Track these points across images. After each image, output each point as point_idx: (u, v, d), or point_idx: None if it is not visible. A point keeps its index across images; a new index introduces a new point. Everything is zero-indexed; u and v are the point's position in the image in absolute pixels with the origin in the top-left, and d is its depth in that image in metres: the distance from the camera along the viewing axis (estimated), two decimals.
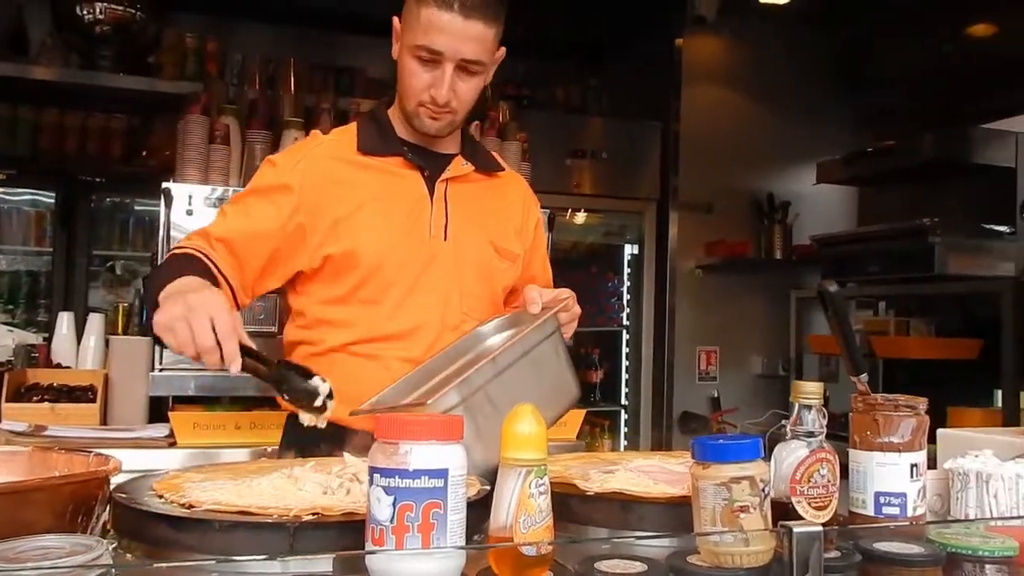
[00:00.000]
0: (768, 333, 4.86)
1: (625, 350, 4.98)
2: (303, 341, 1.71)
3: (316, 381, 1.33)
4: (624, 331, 4.98)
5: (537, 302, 1.57)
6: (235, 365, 1.28)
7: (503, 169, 1.88)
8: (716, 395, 4.80)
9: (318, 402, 1.33)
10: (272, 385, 1.35)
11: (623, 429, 4.98)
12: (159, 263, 1.64)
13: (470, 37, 1.60)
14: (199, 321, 1.28)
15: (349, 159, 1.70)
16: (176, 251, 1.60)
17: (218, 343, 1.28)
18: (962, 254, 3.37)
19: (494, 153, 1.95)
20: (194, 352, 1.29)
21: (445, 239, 1.70)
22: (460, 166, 1.75)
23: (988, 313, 3.34)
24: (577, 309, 1.64)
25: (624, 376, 4.99)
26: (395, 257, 1.66)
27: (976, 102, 3.97)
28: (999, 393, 3.26)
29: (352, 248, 1.64)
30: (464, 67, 1.63)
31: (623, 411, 4.98)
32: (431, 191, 1.72)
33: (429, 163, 1.73)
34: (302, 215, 1.64)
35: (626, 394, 4.98)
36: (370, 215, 1.66)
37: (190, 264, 1.54)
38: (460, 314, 1.70)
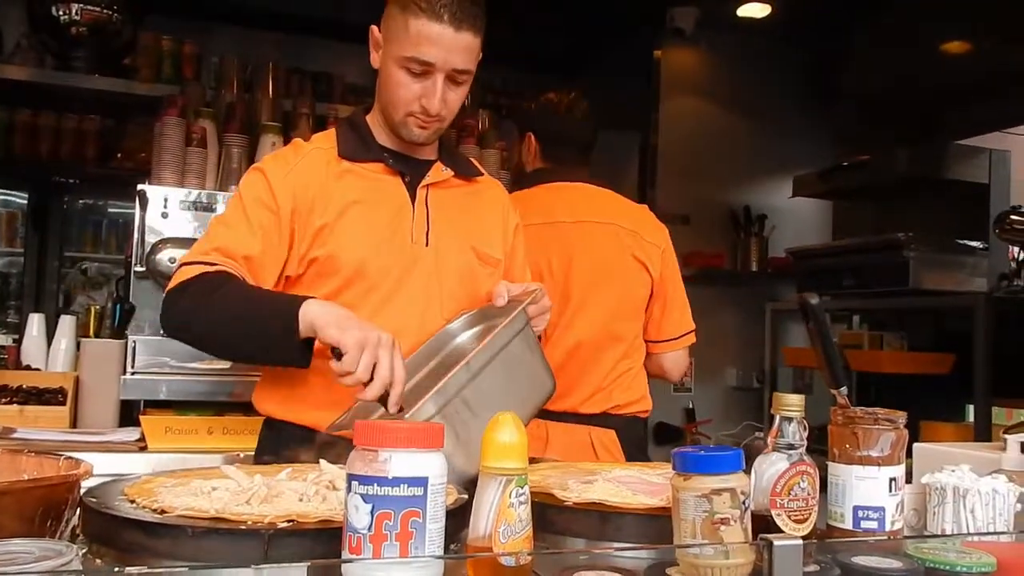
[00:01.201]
0: (743, 345, 4.89)
1: None
2: None
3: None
4: None
5: (503, 295, 1.58)
6: (397, 407, 1.37)
7: (481, 174, 1.88)
8: (691, 406, 4.82)
9: None
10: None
11: None
12: (192, 276, 1.58)
13: (461, 48, 1.60)
14: (390, 356, 1.38)
15: (332, 167, 1.70)
16: (208, 268, 1.58)
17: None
18: (936, 269, 3.41)
19: (471, 159, 1.95)
20: (368, 379, 1.36)
21: (427, 244, 1.70)
22: (440, 172, 1.75)
23: (961, 328, 3.38)
24: (547, 302, 1.63)
25: None
26: (376, 262, 1.66)
27: (950, 118, 4.02)
28: (971, 408, 3.29)
29: (334, 253, 1.64)
30: (453, 77, 1.63)
31: None
32: (412, 197, 1.72)
33: (409, 169, 1.73)
34: (293, 223, 1.64)
35: None
36: (352, 220, 1.66)
37: (240, 283, 1.56)
38: (441, 320, 1.69)
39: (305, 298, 1.49)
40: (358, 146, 1.73)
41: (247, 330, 1.54)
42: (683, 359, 2.39)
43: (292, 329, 1.46)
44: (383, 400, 1.38)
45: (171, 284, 1.60)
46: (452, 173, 1.77)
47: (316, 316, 1.44)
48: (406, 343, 1.63)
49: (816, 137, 4.77)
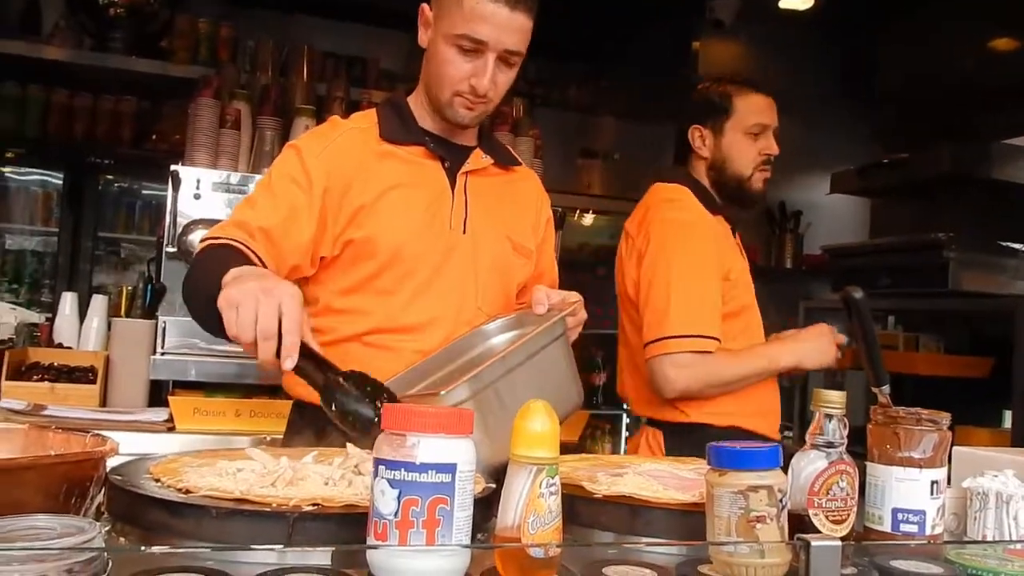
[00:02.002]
0: None
1: None
2: (316, 329, 1.59)
3: (370, 410, 1.21)
4: None
5: (544, 303, 1.54)
6: (290, 361, 1.21)
7: (519, 163, 1.86)
8: None
9: (368, 428, 1.20)
10: (321, 396, 1.25)
11: (624, 433, 4.94)
12: (199, 252, 1.56)
13: (515, 28, 1.57)
14: (268, 306, 1.22)
15: (371, 147, 1.67)
16: (214, 241, 1.55)
17: (280, 335, 1.21)
18: (976, 270, 3.33)
19: (508, 147, 1.93)
20: (252, 336, 1.22)
21: (464, 232, 1.68)
22: (480, 159, 1.73)
23: (1000, 332, 3.29)
24: (583, 314, 1.61)
25: None
26: (413, 247, 1.63)
27: (995, 117, 3.92)
28: (1008, 413, 3.22)
29: (371, 235, 1.61)
30: (505, 58, 1.60)
31: (625, 415, 4.94)
32: (452, 183, 1.69)
33: (450, 154, 1.70)
34: (326, 201, 1.61)
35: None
36: (391, 203, 1.63)
37: (236, 256, 1.48)
38: (475, 308, 1.67)
39: (244, 275, 1.35)
40: (399, 128, 1.70)
41: (196, 306, 1.48)
42: None
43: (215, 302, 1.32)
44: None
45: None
46: (491, 161, 1.74)
47: (228, 288, 1.30)
48: (441, 331, 1.62)
49: (855, 134, 4.68)
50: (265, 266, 1.51)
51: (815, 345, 2.08)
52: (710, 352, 1.98)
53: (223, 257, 1.46)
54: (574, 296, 1.59)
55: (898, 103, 4.50)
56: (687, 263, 2.03)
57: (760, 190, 2.20)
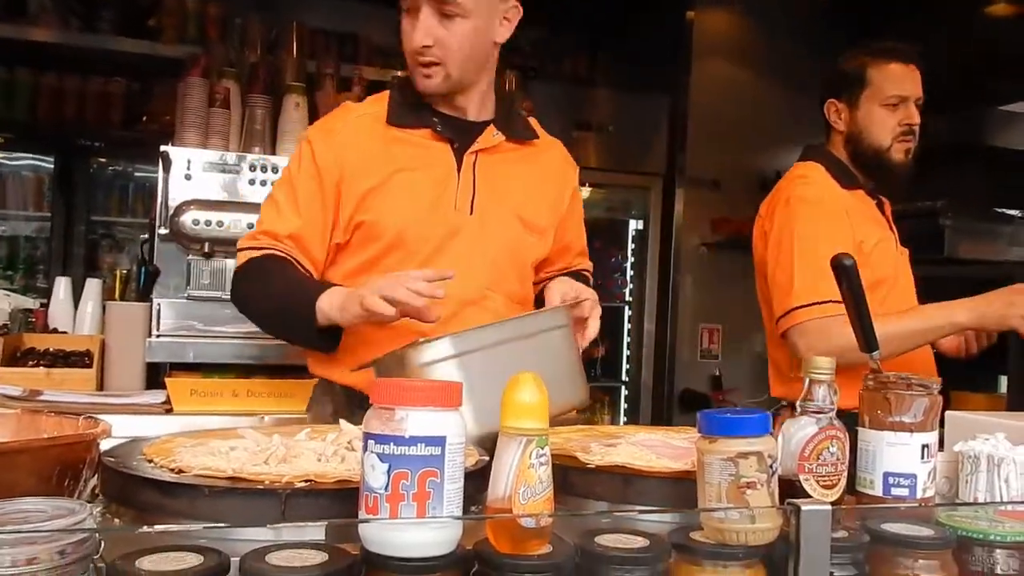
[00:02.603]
0: None
1: (627, 326, 4.96)
2: None
3: None
4: (627, 307, 4.96)
5: (556, 302, 1.57)
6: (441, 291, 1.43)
7: (538, 136, 1.83)
8: (718, 373, 4.78)
9: None
10: None
11: (623, 405, 4.97)
12: (243, 264, 1.70)
13: None
14: (393, 286, 1.43)
15: (380, 132, 1.69)
16: (254, 253, 1.67)
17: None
18: (972, 237, 3.33)
19: (532, 119, 1.88)
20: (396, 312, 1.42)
21: (471, 213, 1.68)
22: (491, 137, 1.72)
23: None
24: (598, 310, 1.61)
25: (625, 352, 4.97)
26: (416, 230, 1.65)
27: (991, 84, 3.90)
28: (1004, 379, 3.23)
29: (376, 219, 1.66)
30: (440, 9, 1.58)
31: (623, 387, 4.96)
32: (460, 163, 1.69)
33: (460, 134, 1.70)
34: (340, 190, 1.67)
35: (627, 370, 4.96)
36: (396, 187, 1.66)
37: (286, 265, 1.65)
38: (482, 289, 1.68)
39: (321, 291, 1.56)
40: (407, 112, 1.70)
41: (284, 325, 1.70)
42: None
43: (312, 323, 1.56)
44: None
45: (234, 269, 1.73)
46: (504, 137, 1.73)
47: (326, 308, 1.54)
48: (445, 311, 1.61)
49: None
50: (304, 268, 1.67)
51: (1006, 300, 1.91)
52: (840, 316, 1.85)
53: (277, 276, 1.64)
54: (588, 292, 1.60)
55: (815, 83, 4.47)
56: (809, 236, 1.98)
57: (902, 161, 2.11)
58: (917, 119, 2.11)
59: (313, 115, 2.93)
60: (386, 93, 1.77)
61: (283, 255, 1.65)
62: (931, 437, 1.11)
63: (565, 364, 1.47)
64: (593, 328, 1.60)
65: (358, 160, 1.66)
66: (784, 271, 2.00)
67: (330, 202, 1.66)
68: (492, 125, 1.73)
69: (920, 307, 2.02)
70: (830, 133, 2.19)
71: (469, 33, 1.62)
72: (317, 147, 1.67)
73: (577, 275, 1.82)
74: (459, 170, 1.68)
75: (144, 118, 4.25)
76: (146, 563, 0.77)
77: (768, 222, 2.11)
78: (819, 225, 2.00)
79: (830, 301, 1.87)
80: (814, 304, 1.92)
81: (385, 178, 1.65)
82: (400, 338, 1.55)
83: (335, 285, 1.60)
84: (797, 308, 1.94)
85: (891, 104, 2.08)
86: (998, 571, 1.03)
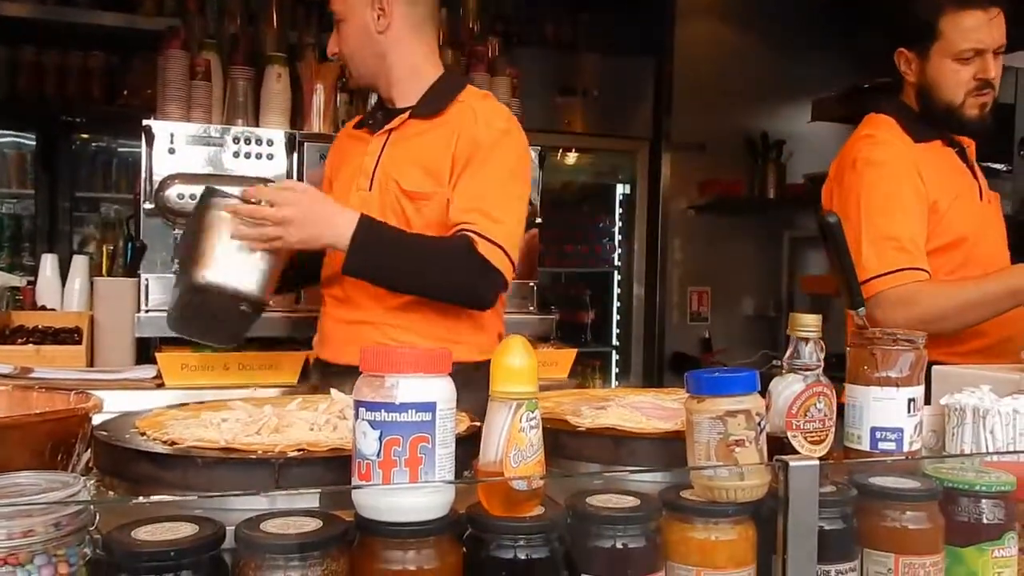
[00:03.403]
0: (760, 273, 4.85)
1: (616, 291, 4.98)
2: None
3: None
4: (615, 272, 4.97)
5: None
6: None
7: (444, 108, 1.87)
8: (707, 336, 4.81)
9: None
10: None
11: (614, 370, 4.99)
12: None
13: None
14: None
15: (348, 133, 2.05)
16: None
17: None
18: None
19: (464, 92, 1.91)
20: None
21: (370, 190, 1.87)
22: (398, 119, 1.90)
23: None
24: (265, 211, 1.69)
25: (615, 317, 4.99)
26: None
27: None
28: None
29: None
30: (335, 20, 1.91)
31: (614, 352, 4.99)
32: (380, 148, 1.90)
33: (385, 122, 1.93)
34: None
35: (617, 335, 4.98)
36: (333, 179, 2.01)
37: None
38: None
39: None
40: (368, 114, 2.05)
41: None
42: None
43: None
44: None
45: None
46: (407, 116, 1.89)
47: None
48: (357, 283, 1.83)
49: (836, 60, 4.65)
50: None
51: None
52: (916, 283, 1.81)
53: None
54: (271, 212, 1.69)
55: (881, 27, 4.44)
56: (877, 202, 1.87)
57: (976, 116, 1.97)
58: (994, 72, 1.94)
59: (295, 85, 2.90)
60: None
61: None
62: (917, 391, 1.12)
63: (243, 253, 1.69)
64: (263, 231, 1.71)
65: (332, 157, 2.08)
66: (853, 238, 1.77)
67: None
68: (409, 111, 1.90)
69: (985, 275, 1.88)
70: (902, 82, 2.04)
71: (353, 34, 1.89)
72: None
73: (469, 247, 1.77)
74: (379, 153, 1.89)
75: (125, 92, 4.21)
76: (142, 533, 0.78)
77: (836, 185, 2.01)
78: (887, 189, 1.88)
79: (903, 269, 1.81)
80: (886, 274, 1.82)
81: (334, 170, 2.04)
82: (327, 316, 1.95)
83: None
84: (870, 279, 1.82)
85: (965, 58, 1.93)
86: (984, 520, 1.05)
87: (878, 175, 1.90)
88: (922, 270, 1.83)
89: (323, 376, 1.96)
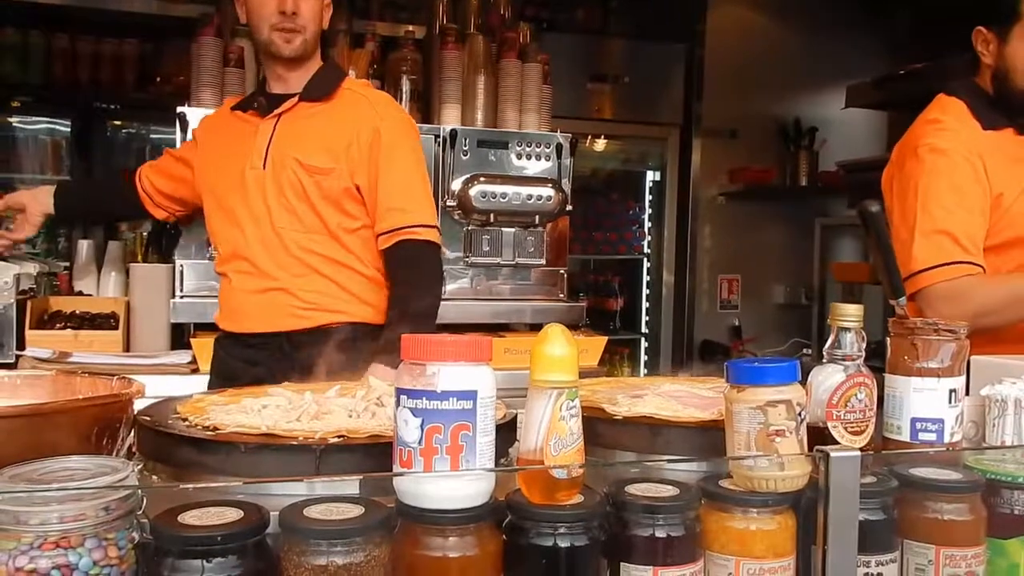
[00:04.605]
0: (791, 261, 4.81)
1: (646, 278, 4.96)
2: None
3: None
4: (645, 259, 4.95)
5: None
6: None
7: (332, 93, 2.09)
8: (737, 324, 4.78)
9: None
10: None
11: (643, 357, 4.98)
12: None
13: None
14: None
15: (228, 115, 2.15)
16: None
17: None
18: None
19: (347, 80, 2.14)
20: None
21: (264, 168, 2.02)
22: (288, 103, 2.06)
23: None
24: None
25: (644, 304, 4.97)
26: (219, 188, 2.09)
27: None
28: None
29: (200, 182, 2.17)
30: None
31: (643, 339, 4.97)
32: (269, 129, 2.05)
33: (272, 106, 2.07)
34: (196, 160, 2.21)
35: (646, 322, 4.96)
36: (215, 158, 2.12)
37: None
38: (275, 229, 2.01)
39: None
40: (245, 100, 2.16)
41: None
42: None
43: None
44: None
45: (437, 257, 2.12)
46: (297, 99, 2.05)
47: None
48: (252, 252, 2.04)
49: (870, 46, 4.59)
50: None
51: None
52: (969, 277, 1.74)
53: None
54: None
55: (914, 12, 4.38)
56: (935, 192, 1.79)
57: None
58: None
59: None
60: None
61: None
62: (958, 382, 1.11)
63: None
64: None
65: (209, 137, 2.18)
66: (907, 227, 1.82)
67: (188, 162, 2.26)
68: (298, 96, 2.07)
69: None
70: (979, 63, 1.93)
71: (314, 8, 2.04)
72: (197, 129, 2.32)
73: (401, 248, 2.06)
74: (270, 135, 2.04)
75: (158, 79, 4.24)
76: (189, 518, 0.79)
77: (896, 170, 1.92)
78: (947, 180, 1.80)
79: (956, 262, 1.74)
80: (938, 267, 1.75)
81: (212, 149, 2.15)
82: (230, 285, 2.11)
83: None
84: (921, 272, 1.77)
85: None
86: None
87: (940, 163, 1.81)
88: (976, 264, 1.75)
89: (236, 347, 2.11)
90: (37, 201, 2.40)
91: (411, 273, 2.03)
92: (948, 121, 1.87)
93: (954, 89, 1.94)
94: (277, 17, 1.99)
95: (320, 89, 2.08)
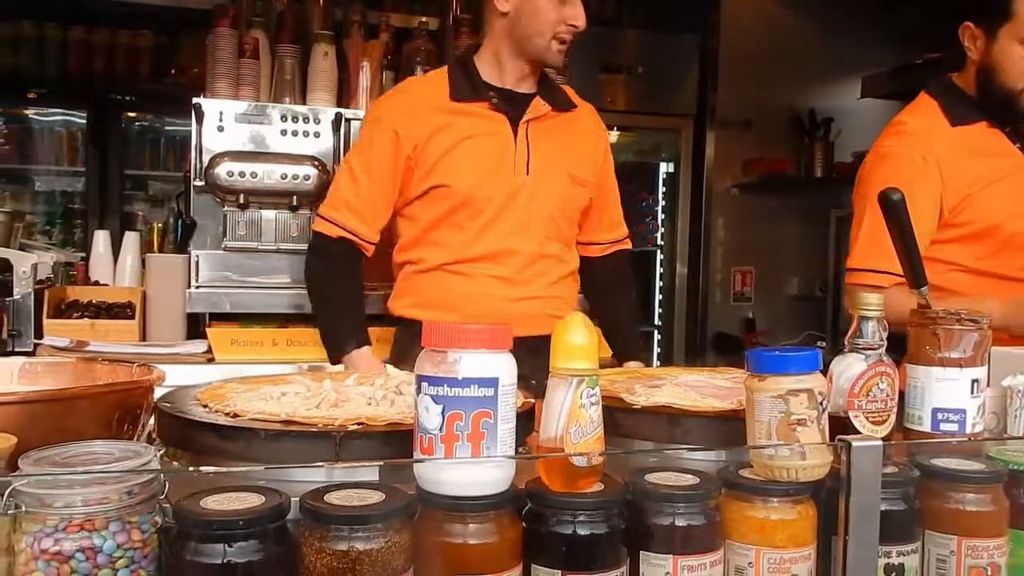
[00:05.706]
0: (805, 253, 4.79)
1: (659, 270, 4.95)
2: (408, 261, 2.02)
3: None
4: (658, 251, 4.94)
5: None
6: None
7: (575, 106, 2.08)
8: (751, 316, 4.77)
9: None
10: None
11: (656, 349, 4.97)
12: (319, 239, 2.03)
13: None
14: None
15: (444, 106, 1.95)
16: (331, 231, 1.97)
17: None
18: None
19: (566, 88, 2.14)
20: None
21: (527, 174, 1.95)
22: (539, 107, 1.98)
23: None
24: None
25: (658, 296, 4.96)
26: (482, 190, 1.92)
27: None
28: None
29: (448, 182, 1.92)
30: None
31: (656, 331, 4.97)
32: (515, 131, 1.96)
33: (511, 106, 1.97)
34: (408, 153, 1.93)
35: (660, 314, 4.95)
36: (463, 154, 1.92)
37: (345, 275, 2.01)
38: (540, 239, 1.96)
39: (352, 344, 1.96)
40: (467, 88, 1.97)
41: (321, 330, 2.11)
42: None
43: (333, 354, 2.01)
44: None
45: (310, 241, 2.07)
46: (549, 108, 1.99)
47: (344, 359, 1.96)
48: (511, 259, 1.94)
49: (885, 36, 4.55)
50: (366, 240, 1.99)
51: None
52: (885, 287, 1.76)
53: (340, 276, 2.01)
54: None
55: (928, 2, 4.34)
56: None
57: None
58: None
59: (342, 63, 2.91)
60: (444, 70, 2.02)
61: (349, 240, 1.96)
62: (980, 372, 1.10)
63: None
64: None
65: (427, 130, 1.92)
66: (856, 225, 1.93)
67: (400, 170, 1.94)
68: (538, 96, 1.99)
69: (953, 296, 1.83)
70: (964, 59, 1.93)
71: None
72: (386, 121, 1.95)
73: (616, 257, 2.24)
74: (515, 138, 1.95)
75: (173, 71, 4.26)
76: (211, 503, 0.79)
77: (865, 167, 1.99)
78: (895, 184, 1.84)
79: (884, 272, 1.79)
80: (866, 271, 1.85)
81: (453, 146, 1.91)
82: (476, 285, 1.93)
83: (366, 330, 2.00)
84: (852, 270, 1.89)
85: None
86: None
87: (895, 170, 1.86)
88: (893, 275, 1.75)
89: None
90: (372, 367, 1.94)
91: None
92: (912, 123, 1.93)
93: (930, 87, 1.99)
94: (565, 28, 1.90)
95: (563, 101, 2.05)
